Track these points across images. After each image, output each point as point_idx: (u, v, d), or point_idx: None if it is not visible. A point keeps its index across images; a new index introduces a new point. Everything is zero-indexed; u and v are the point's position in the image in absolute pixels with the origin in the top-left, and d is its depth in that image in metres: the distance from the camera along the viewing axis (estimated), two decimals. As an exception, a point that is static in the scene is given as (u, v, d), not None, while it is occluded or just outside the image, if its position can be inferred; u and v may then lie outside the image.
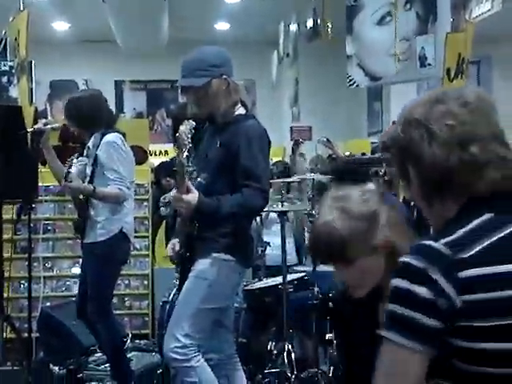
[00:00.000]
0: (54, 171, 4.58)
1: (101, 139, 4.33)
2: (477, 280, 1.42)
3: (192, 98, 3.51)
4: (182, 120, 4.86)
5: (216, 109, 3.42)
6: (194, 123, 3.27)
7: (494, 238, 1.45)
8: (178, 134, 3.24)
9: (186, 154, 3.20)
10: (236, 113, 3.44)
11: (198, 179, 3.47)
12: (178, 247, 3.57)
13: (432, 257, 1.43)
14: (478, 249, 1.43)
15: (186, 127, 3.21)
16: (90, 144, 4.42)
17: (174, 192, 3.29)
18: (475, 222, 1.47)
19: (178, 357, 3.29)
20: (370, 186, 4.64)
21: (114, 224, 4.35)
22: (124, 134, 4.47)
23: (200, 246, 3.38)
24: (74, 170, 4.42)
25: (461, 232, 1.46)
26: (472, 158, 1.49)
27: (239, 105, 3.47)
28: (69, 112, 4.39)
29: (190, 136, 3.20)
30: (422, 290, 1.41)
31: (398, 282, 1.45)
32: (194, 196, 3.18)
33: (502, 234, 1.46)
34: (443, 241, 1.44)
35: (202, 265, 3.37)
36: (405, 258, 1.45)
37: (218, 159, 3.38)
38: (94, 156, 4.36)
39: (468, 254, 1.43)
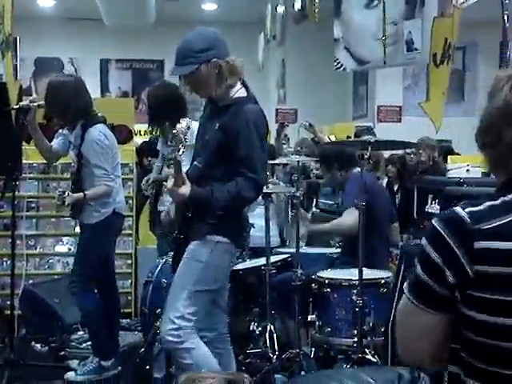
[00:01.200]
0: (40, 148, 4.58)
1: (82, 131, 4.35)
2: (490, 252, 1.48)
3: (187, 83, 3.55)
4: (157, 99, 4.87)
5: (210, 92, 3.40)
6: (191, 121, 3.29)
7: None
8: (175, 132, 3.27)
9: (182, 150, 3.19)
10: (236, 95, 3.40)
11: (195, 162, 3.48)
12: (172, 214, 3.58)
13: (453, 223, 1.53)
14: (498, 223, 1.50)
15: (182, 125, 3.23)
16: (72, 137, 4.46)
17: (169, 183, 3.28)
18: (504, 198, 1.55)
19: (173, 339, 3.30)
20: (357, 169, 4.68)
21: (106, 207, 4.47)
22: (105, 120, 4.49)
23: (193, 229, 3.39)
24: (55, 144, 4.52)
25: (488, 204, 1.54)
26: None
27: (239, 86, 3.43)
28: (45, 98, 4.38)
29: (186, 133, 3.22)
30: (435, 256, 1.52)
31: (424, 241, 1.57)
32: (186, 189, 3.21)
33: None
34: (468, 209, 1.53)
35: (195, 247, 3.37)
36: (433, 221, 1.57)
37: (216, 142, 3.35)
38: (78, 148, 4.40)
39: (487, 226, 1.50)
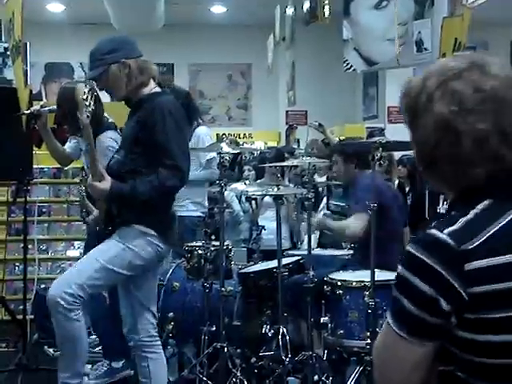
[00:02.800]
0: (53, 152, 4.59)
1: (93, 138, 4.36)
2: (483, 271, 1.40)
3: (101, 87, 3.52)
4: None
5: (121, 93, 3.45)
6: (94, 83, 3.30)
7: (497, 227, 1.44)
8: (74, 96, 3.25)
9: (86, 114, 3.15)
10: (151, 91, 3.46)
11: (115, 155, 3.53)
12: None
13: (437, 248, 1.42)
14: (482, 239, 1.42)
15: (83, 86, 3.19)
16: (83, 143, 4.46)
17: (89, 178, 3.31)
18: (476, 210, 1.46)
19: (64, 304, 3.23)
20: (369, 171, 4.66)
21: None
22: (115, 126, 4.51)
23: (120, 220, 3.39)
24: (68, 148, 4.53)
25: (463, 221, 1.45)
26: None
27: (153, 85, 3.49)
28: (57, 104, 4.37)
29: (91, 96, 3.16)
30: (426, 288, 1.41)
31: (404, 272, 1.46)
32: (106, 184, 3.24)
33: (504, 222, 1.45)
34: (447, 231, 1.42)
35: (122, 231, 3.38)
36: (411, 248, 1.45)
37: (134, 135, 3.40)
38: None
39: (472, 246, 1.41)
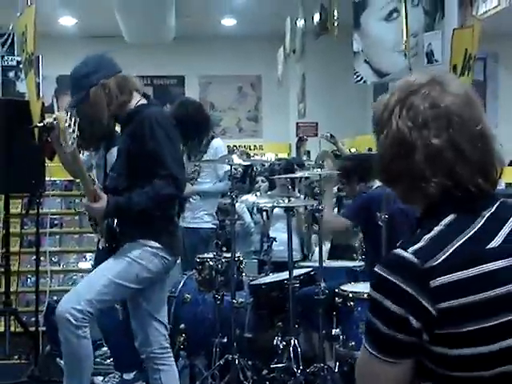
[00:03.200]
0: (65, 165, 4.60)
1: (105, 151, 4.37)
2: (447, 287, 1.42)
3: (83, 114, 3.40)
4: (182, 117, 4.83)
5: (105, 113, 3.41)
6: (73, 111, 3.26)
7: (460, 242, 1.45)
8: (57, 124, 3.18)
9: (70, 142, 3.10)
10: (137, 104, 3.44)
11: (110, 173, 3.54)
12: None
13: (403, 268, 1.44)
14: (445, 255, 1.43)
15: (64, 114, 3.13)
16: (94, 158, 4.48)
17: (84, 200, 3.34)
18: (440, 227, 1.48)
19: (72, 320, 3.23)
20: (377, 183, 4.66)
21: None
22: None
23: (123, 236, 3.39)
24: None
25: (427, 238, 1.47)
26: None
27: (138, 98, 3.45)
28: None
29: (73, 123, 3.11)
30: (395, 308, 1.43)
31: (373, 293, 1.48)
32: (102, 203, 3.25)
33: (467, 237, 1.46)
34: (411, 249, 1.45)
35: (126, 246, 3.38)
36: (378, 269, 1.47)
37: (126, 150, 3.40)
38: (103, 168, 4.43)
39: (436, 262, 1.42)
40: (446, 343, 1.43)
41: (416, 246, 1.45)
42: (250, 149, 13.92)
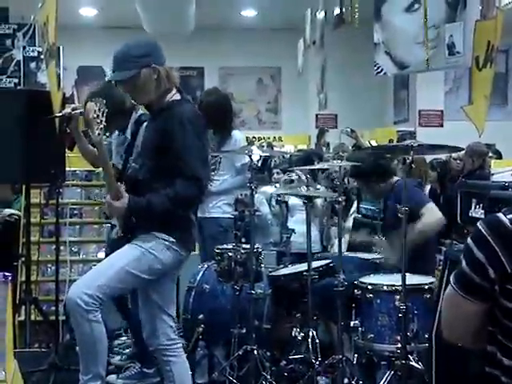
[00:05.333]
0: (84, 155, 4.63)
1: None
2: None
3: (125, 90, 3.53)
4: (210, 106, 4.88)
5: (148, 98, 3.45)
6: (104, 101, 3.30)
7: None
8: (86, 114, 3.27)
9: (97, 131, 3.21)
10: (171, 99, 3.46)
11: (133, 164, 3.54)
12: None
13: (497, 227, 1.77)
14: None
15: (93, 104, 3.22)
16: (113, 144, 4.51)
17: (107, 196, 3.36)
18: None
19: (83, 305, 3.25)
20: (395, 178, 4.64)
21: None
22: None
23: (139, 228, 3.41)
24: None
25: None
26: None
27: (174, 91, 3.48)
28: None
29: (102, 113, 3.20)
30: (479, 255, 1.77)
31: (469, 240, 1.82)
32: (123, 202, 3.28)
33: None
34: (510, 216, 1.77)
35: (140, 237, 3.40)
36: (479, 224, 1.81)
37: (153, 144, 3.41)
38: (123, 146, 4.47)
39: None
40: (511, 298, 1.75)
41: None
42: (270, 140, 13.89)
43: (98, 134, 3.23)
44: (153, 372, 4.59)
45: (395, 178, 4.69)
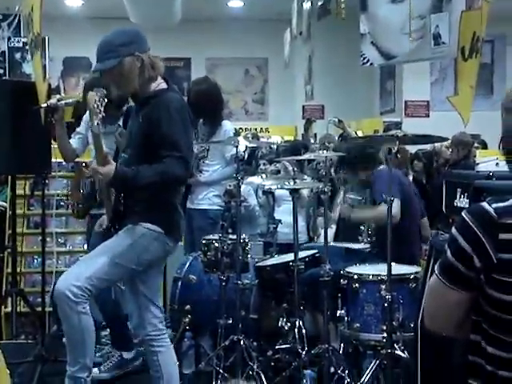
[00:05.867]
0: (60, 147, 4.63)
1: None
2: None
3: (109, 80, 3.53)
4: (199, 95, 4.86)
5: (133, 86, 3.45)
6: (104, 91, 3.32)
7: None
8: (87, 103, 3.30)
9: (96, 121, 3.24)
10: (157, 88, 3.47)
11: (123, 154, 3.55)
12: (104, 226, 3.60)
13: (481, 216, 1.77)
14: None
15: (95, 94, 3.25)
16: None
17: (93, 164, 3.35)
18: None
19: (72, 297, 3.26)
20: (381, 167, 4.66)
21: None
22: None
23: (126, 219, 3.43)
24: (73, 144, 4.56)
25: (510, 201, 1.78)
26: None
27: (160, 80, 3.49)
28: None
29: (101, 104, 3.23)
30: (465, 245, 1.77)
31: (453, 230, 1.83)
32: (110, 167, 3.27)
33: None
34: (494, 205, 1.77)
35: (129, 227, 3.41)
36: (463, 214, 1.81)
37: (141, 133, 3.43)
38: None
39: (509, 221, 1.74)
40: (499, 288, 1.75)
41: (499, 204, 1.78)
42: (256, 131, 13.88)
43: (97, 124, 3.26)
44: (133, 356, 4.62)
45: (380, 167, 4.72)
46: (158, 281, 3.66)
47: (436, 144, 7.58)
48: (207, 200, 5.26)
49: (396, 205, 4.23)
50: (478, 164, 5.46)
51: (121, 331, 4.63)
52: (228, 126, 5.35)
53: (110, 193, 3.50)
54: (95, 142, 3.38)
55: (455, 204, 3.66)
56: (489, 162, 4.67)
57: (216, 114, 5.28)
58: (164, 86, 3.50)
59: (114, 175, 3.26)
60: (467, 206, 3.28)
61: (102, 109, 3.25)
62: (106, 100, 3.28)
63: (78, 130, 4.81)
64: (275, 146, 7.59)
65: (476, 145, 8.15)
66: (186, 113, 3.44)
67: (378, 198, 4.45)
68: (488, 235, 1.74)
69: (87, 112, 4.25)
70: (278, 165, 6.67)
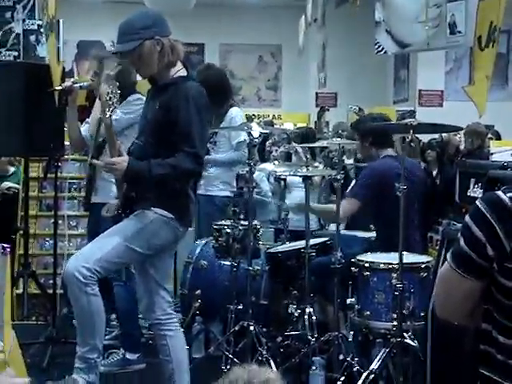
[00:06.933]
0: (70, 132, 4.59)
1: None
2: None
3: (129, 62, 3.52)
4: (205, 81, 4.82)
5: (151, 70, 3.43)
6: (117, 83, 3.31)
7: None
8: (99, 96, 3.31)
9: (109, 113, 3.27)
10: (176, 74, 3.44)
11: (136, 141, 3.53)
12: (112, 212, 3.56)
13: (496, 205, 1.76)
14: None
15: (108, 87, 3.25)
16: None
17: (106, 157, 3.37)
18: None
19: (81, 278, 3.26)
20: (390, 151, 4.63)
21: None
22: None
23: (137, 204, 3.43)
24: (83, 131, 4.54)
25: None
26: None
27: (180, 66, 3.47)
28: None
29: (115, 96, 3.24)
30: (478, 233, 1.76)
31: (467, 219, 1.82)
32: (123, 159, 3.28)
33: None
34: (509, 194, 1.76)
35: (139, 212, 3.41)
36: (478, 202, 1.80)
37: (156, 120, 3.41)
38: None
39: None
40: (508, 276, 1.75)
41: None
42: (270, 118, 13.87)
43: (110, 116, 3.29)
44: (137, 358, 4.49)
45: (386, 153, 4.63)
46: (168, 265, 3.66)
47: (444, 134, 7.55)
48: (214, 187, 5.26)
49: (347, 204, 4.34)
50: (492, 154, 5.43)
51: (130, 331, 4.56)
52: (235, 112, 5.31)
53: (122, 180, 3.50)
54: (108, 134, 3.40)
55: (469, 194, 3.65)
56: (504, 152, 4.65)
57: (220, 101, 5.21)
58: (184, 73, 3.47)
59: (126, 169, 3.27)
60: (480, 195, 3.27)
61: (115, 101, 3.27)
62: (118, 92, 3.29)
63: (88, 119, 4.76)
64: (288, 133, 7.58)
65: (489, 136, 8.11)
66: (203, 102, 3.41)
67: (352, 190, 4.61)
68: (502, 224, 1.73)
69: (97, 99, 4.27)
70: (288, 146, 6.65)
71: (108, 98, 3.25)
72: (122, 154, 3.33)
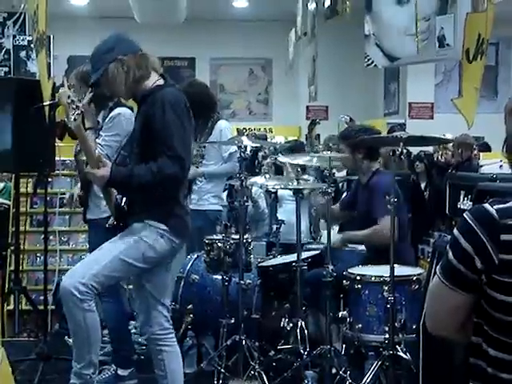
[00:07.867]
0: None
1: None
2: None
3: (103, 88, 3.54)
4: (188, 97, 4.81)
5: (121, 89, 3.48)
6: (90, 88, 3.35)
7: None
8: (59, 101, 3.29)
9: (73, 117, 3.23)
10: (154, 85, 3.46)
11: (122, 152, 3.55)
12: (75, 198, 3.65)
13: (483, 218, 1.77)
14: None
15: (67, 90, 3.27)
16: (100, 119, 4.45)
17: (87, 167, 3.38)
18: None
19: (78, 294, 3.26)
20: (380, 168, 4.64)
21: None
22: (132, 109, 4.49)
23: (131, 216, 3.44)
24: None
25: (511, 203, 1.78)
26: None
27: (156, 77, 3.49)
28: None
29: (78, 99, 3.24)
30: (467, 246, 1.77)
31: (456, 231, 1.82)
32: (106, 170, 3.29)
33: None
34: (496, 207, 1.77)
35: (133, 225, 3.42)
36: (465, 215, 1.80)
37: (138, 131, 3.45)
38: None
39: (511, 222, 1.73)
40: (501, 290, 1.75)
41: (501, 206, 1.78)
42: (263, 131, 13.89)
43: (75, 120, 3.24)
44: (128, 374, 4.43)
45: (376, 166, 4.64)
46: (165, 279, 3.63)
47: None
48: (205, 201, 5.27)
49: (386, 222, 4.06)
50: (481, 166, 5.45)
51: (122, 346, 4.52)
52: (223, 125, 5.33)
53: (110, 192, 3.50)
54: (81, 142, 3.39)
55: (458, 206, 3.66)
56: (492, 164, 4.67)
57: (206, 115, 5.22)
58: (161, 82, 3.49)
59: (110, 177, 3.28)
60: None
61: (79, 104, 3.24)
62: (90, 94, 3.29)
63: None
64: (276, 147, 7.59)
65: (475, 147, 8.09)
66: (182, 107, 3.41)
67: (381, 209, 4.20)
68: (489, 236, 1.74)
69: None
70: (273, 157, 6.64)
71: (70, 102, 3.23)
72: (104, 163, 3.32)
